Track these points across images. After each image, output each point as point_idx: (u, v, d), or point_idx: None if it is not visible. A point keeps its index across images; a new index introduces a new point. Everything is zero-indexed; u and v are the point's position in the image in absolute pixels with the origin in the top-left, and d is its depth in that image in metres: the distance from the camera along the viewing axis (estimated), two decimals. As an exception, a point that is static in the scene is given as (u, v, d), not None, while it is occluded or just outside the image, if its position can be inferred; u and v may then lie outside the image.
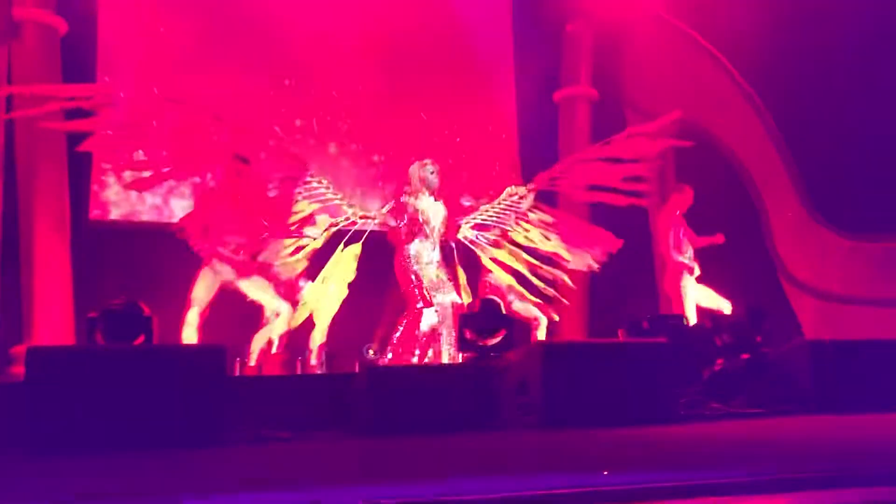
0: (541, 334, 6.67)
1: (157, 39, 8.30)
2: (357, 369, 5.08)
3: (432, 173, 6.22)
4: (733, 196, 9.12)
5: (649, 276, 9.35)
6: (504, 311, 6.37)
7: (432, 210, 6.22)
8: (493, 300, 5.36)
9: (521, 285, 6.60)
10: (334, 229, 6.29)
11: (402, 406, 3.99)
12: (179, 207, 8.34)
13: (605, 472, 2.18)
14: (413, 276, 6.05)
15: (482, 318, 4.94)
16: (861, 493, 1.98)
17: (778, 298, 8.68)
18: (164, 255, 7.18)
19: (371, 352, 7.64)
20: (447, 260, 6.38)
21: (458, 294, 6.24)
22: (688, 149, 7.30)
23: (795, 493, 2.07)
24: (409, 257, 6.10)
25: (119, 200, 8.18)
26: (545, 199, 7.04)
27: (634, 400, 4.14)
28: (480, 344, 4.88)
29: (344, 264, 6.17)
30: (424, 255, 6.13)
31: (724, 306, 7.09)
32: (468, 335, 4.94)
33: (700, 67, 9.36)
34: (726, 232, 7.65)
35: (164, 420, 3.57)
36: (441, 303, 6.00)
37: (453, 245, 6.55)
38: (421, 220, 6.14)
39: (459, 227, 6.56)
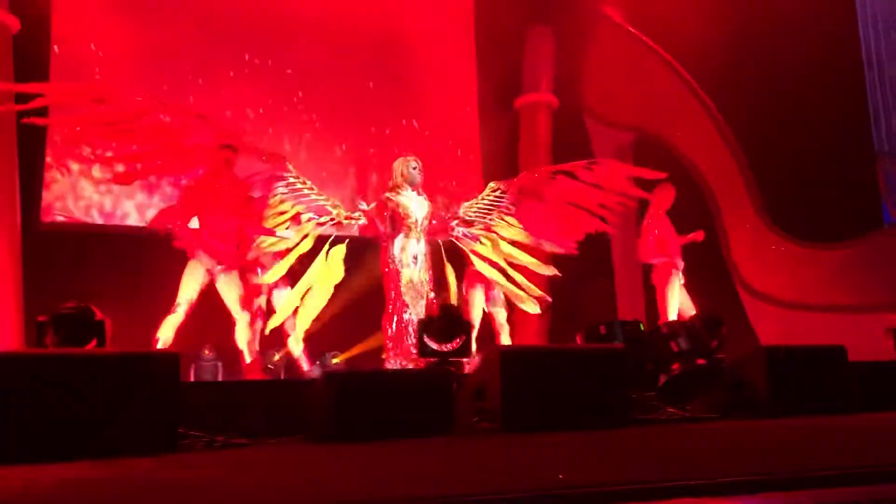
0: (504, 338, 6.72)
1: (111, 37, 8.22)
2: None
3: (415, 169, 6.28)
4: (690, 204, 9.27)
5: (608, 281, 9.45)
6: (480, 308, 6.46)
7: (414, 204, 6.23)
8: (452, 306, 5.35)
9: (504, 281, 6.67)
10: (320, 230, 6.28)
11: (360, 412, 3.96)
12: (131, 207, 8.23)
13: (561, 476, 2.18)
14: (393, 277, 6.07)
15: (441, 323, 4.93)
16: (812, 494, 2.02)
17: (734, 305, 8.82)
18: (115, 258, 7.07)
19: (334, 359, 7.61)
20: (435, 257, 6.41)
21: (447, 295, 6.29)
22: (646, 157, 7.39)
23: (751, 496, 2.09)
24: (392, 256, 6.12)
25: (70, 203, 8.04)
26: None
27: (591, 405, 4.16)
28: (440, 350, 4.88)
29: (329, 267, 6.16)
30: (409, 251, 6.13)
31: (691, 309, 7.22)
32: (427, 341, 4.93)
33: (659, 77, 9.50)
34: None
35: (116, 427, 3.48)
36: (413, 307, 6.00)
37: (440, 243, 6.60)
38: (402, 214, 6.16)
39: (451, 227, 6.59)
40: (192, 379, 6.51)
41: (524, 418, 4.04)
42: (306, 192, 6.30)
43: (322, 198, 6.36)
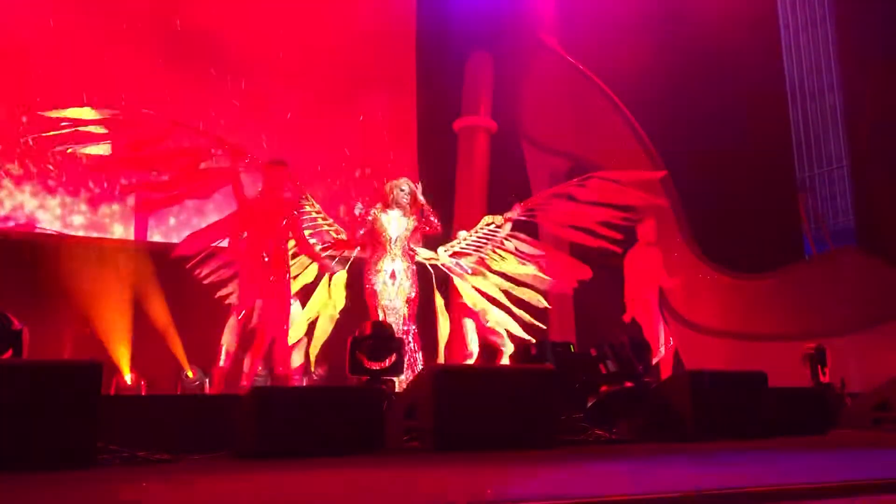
0: (504, 360, 6.73)
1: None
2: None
3: (402, 192, 6.25)
4: (621, 232, 9.45)
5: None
6: (476, 335, 6.65)
7: (393, 223, 6.23)
8: (384, 323, 5.32)
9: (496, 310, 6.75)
10: (324, 255, 6.35)
11: (287, 428, 3.90)
12: (41, 212, 7.99)
13: (489, 490, 2.19)
14: (372, 295, 6.12)
15: (373, 341, 4.89)
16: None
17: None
18: (34, 266, 6.84)
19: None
20: (426, 285, 6.47)
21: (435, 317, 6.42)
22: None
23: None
24: (369, 274, 6.17)
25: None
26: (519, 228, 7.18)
27: (521, 425, 4.19)
28: (371, 367, 4.84)
29: (333, 295, 6.29)
30: (385, 269, 6.15)
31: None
32: (359, 358, 4.88)
33: (594, 105, 9.71)
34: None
35: (31, 441, 3.35)
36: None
37: (432, 271, 6.68)
38: (378, 230, 6.21)
39: (435, 228, 6.55)
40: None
41: (454, 437, 4.04)
42: (314, 215, 6.42)
43: (327, 223, 6.46)
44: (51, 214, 7.94)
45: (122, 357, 7.30)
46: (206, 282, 5.97)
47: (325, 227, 6.46)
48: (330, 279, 6.35)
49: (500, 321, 6.72)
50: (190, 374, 7.35)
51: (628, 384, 5.05)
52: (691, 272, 9.15)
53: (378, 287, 6.11)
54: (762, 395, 5.06)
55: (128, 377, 7.21)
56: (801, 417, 5.25)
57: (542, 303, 6.84)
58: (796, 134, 11.63)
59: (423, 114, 10.04)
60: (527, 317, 6.73)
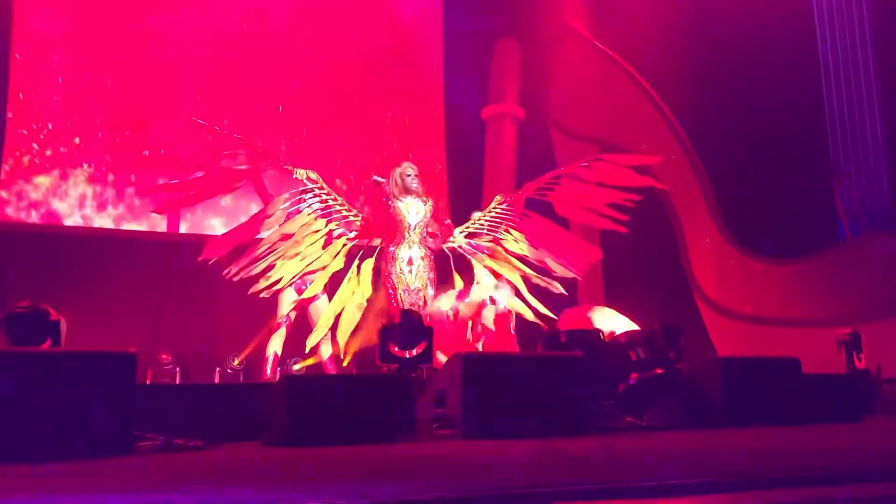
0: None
1: (74, 46, 8.20)
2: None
3: (409, 177, 6.31)
4: (652, 218, 9.38)
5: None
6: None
7: (411, 210, 6.29)
8: (413, 312, 5.35)
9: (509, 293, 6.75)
10: (350, 245, 6.44)
11: (318, 416, 3.95)
12: (88, 206, 8.12)
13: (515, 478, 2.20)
14: (391, 283, 6.20)
15: (403, 329, 4.93)
16: (757, 495, 2.07)
17: (693, 317, 8.93)
18: (67, 258, 6.97)
19: (296, 366, 7.60)
20: (444, 268, 6.52)
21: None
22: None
23: (699, 497, 2.13)
24: (387, 261, 6.25)
25: (16, 202, 7.92)
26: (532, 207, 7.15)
27: (550, 412, 4.20)
28: (402, 355, 4.87)
29: (360, 283, 6.36)
30: (402, 257, 6.22)
31: None
32: (390, 347, 4.92)
33: (623, 91, 9.61)
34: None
35: (70, 428, 3.44)
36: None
37: (449, 254, 6.69)
38: (398, 219, 6.25)
39: (450, 232, 6.61)
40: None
41: (484, 425, 4.06)
42: (337, 207, 6.46)
43: (352, 213, 6.50)
44: (89, 207, 8.08)
45: (158, 345, 7.41)
46: (235, 279, 6.04)
47: (351, 218, 6.49)
48: (358, 267, 6.38)
49: (513, 305, 6.69)
50: (236, 362, 7.47)
51: (659, 371, 5.03)
52: (722, 257, 9.06)
53: (396, 275, 6.18)
54: (795, 382, 5.01)
55: (165, 363, 7.33)
56: (835, 404, 5.18)
57: (558, 289, 6.78)
58: (830, 115, 11.40)
59: (451, 103, 10.01)
60: (541, 307, 6.67)
